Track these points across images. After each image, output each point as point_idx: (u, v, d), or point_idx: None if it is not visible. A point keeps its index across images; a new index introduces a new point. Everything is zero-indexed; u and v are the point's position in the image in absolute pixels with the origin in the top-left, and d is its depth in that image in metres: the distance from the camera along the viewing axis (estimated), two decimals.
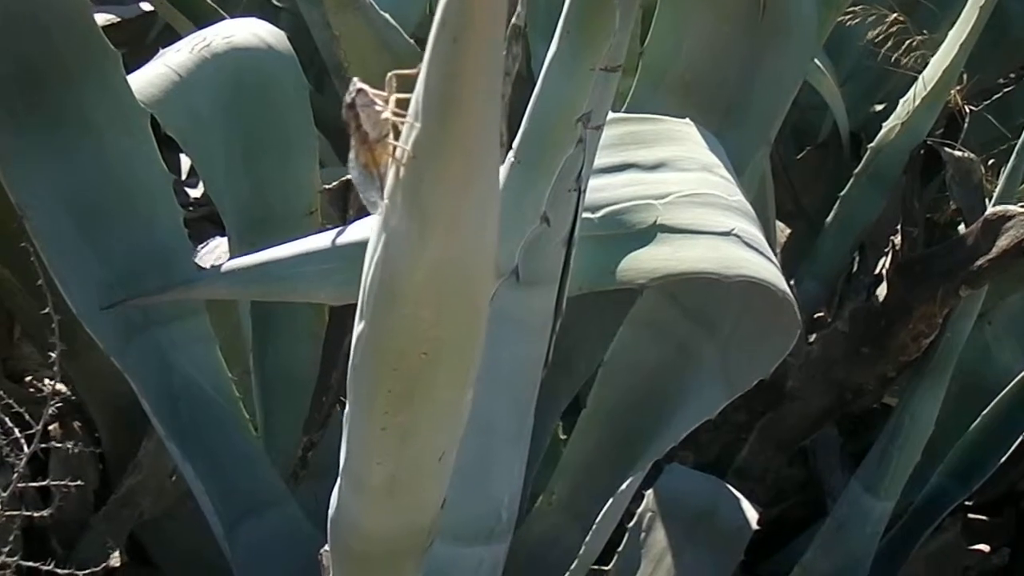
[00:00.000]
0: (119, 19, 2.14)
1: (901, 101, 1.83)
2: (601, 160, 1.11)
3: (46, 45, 1.06)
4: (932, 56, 1.79)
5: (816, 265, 1.99)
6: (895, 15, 1.85)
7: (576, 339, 1.27)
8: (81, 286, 1.10)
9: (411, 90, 0.50)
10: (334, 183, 1.25)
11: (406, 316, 0.56)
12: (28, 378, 1.70)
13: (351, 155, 0.58)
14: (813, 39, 1.36)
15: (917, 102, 1.77)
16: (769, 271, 1.06)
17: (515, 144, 0.97)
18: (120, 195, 1.14)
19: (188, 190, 2.37)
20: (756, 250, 1.07)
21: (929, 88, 1.75)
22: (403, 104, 0.52)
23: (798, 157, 2.24)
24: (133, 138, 1.13)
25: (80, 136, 1.10)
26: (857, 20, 1.87)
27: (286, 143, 1.33)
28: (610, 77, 0.91)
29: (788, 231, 2.21)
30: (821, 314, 2.09)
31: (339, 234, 1.09)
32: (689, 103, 1.27)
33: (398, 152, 0.50)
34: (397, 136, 0.52)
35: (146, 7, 2.22)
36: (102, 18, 1.67)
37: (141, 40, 2.22)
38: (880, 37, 1.87)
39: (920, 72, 1.80)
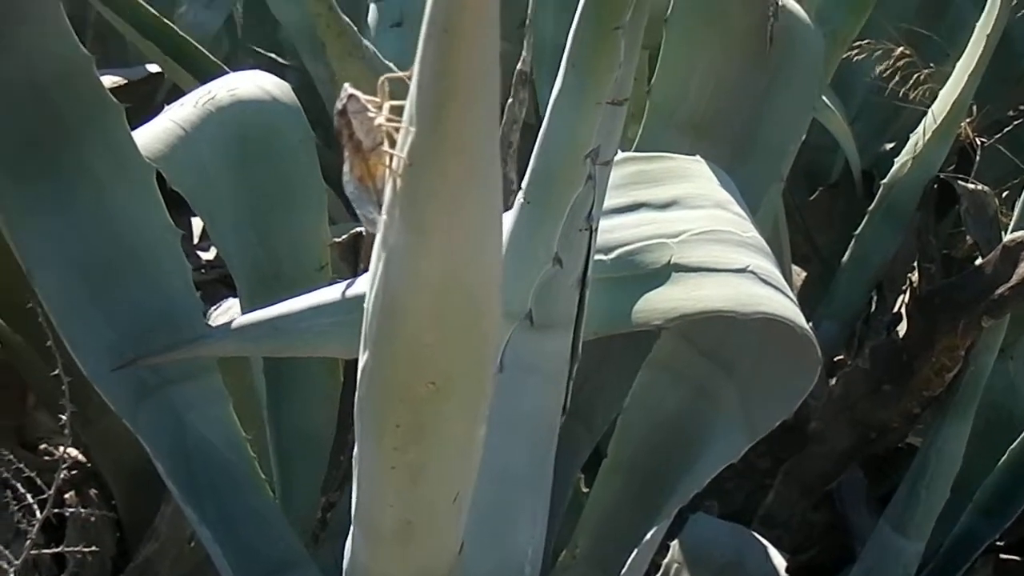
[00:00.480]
0: (126, 81, 2.15)
1: (912, 136, 1.82)
2: (612, 200, 1.10)
3: (46, 104, 1.05)
4: (940, 89, 1.78)
5: (833, 306, 1.97)
6: (901, 48, 1.84)
7: (594, 387, 1.26)
8: (91, 347, 1.08)
9: (405, 96, 0.48)
10: (344, 236, 1.23)
11: (409, 340, 0.54)
12: (43, 446, 1.69)
13: (345, 168, 0.56)
14: (821, 72, 1.35)
15: (928, 136, 1.75)
16: (787, 307, 1.04)
17: (524, 184, 0.96)
18: (127, 253, 1.12)
19: (200, 253, 2.37)
20: (772, 286, 1.05)
21: (939, 121, 1.74)
22: (397, 111, 0.50)
23: (811, 199, 2.23)
24: (138, 194, 1.11)
25: (84, 193, 1.09)
26: (863, 55, 1.86)
27: (294, 196, 1.31)
28: (617, 111, 0.90)
29: (803, 274, 2.20)
30: (841, 357, 2.07)
31: (349, 286, 1.08)
32: (699, 141, 1.26)
33: (394, 161, 0.49)
34: (392, 146, 0.50)
35: (153, 68, 2.23)
36: (108, 80, 1.67)
37: (149, 101, 2.23)
38: (887, 72, 1.86)
39: (929, 106, 1.79)
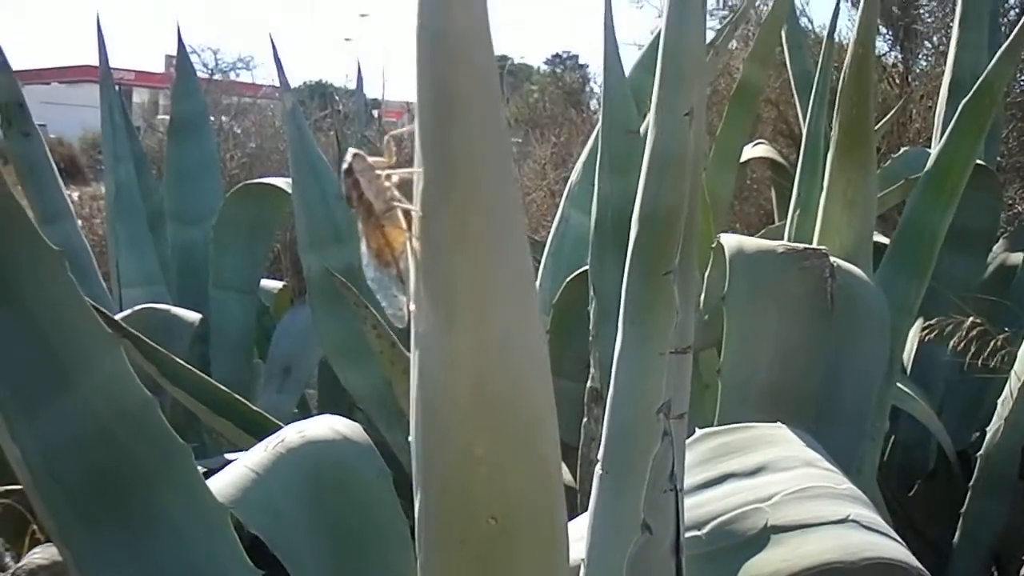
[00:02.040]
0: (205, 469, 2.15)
1: (999, 401, 1.77)
2: (697, 476, 1.07)
3: (114, 445, 1.04)
4: (1018, 349, 1.75)
5: None
6: (971, 319, 1.82)
7: None
8: None
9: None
10: None
11: (458, 455, 0.49)
12: None
13: (362, 247, 0.54)
14: (887, 326, 1.32)
15: (1015, 396, 1.70)
16: (897, 550, 0.98)
17: (599, 455, 0.92)
18: None
19: None
20: (878, 531, 0.99)
21: (1022, 380, 1.69)
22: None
23: (910, 494, 2.16)
24: (213, 536, 1.09)
25: (160, 537, 1.07)
26: (935, 333, 1.84)
27: (374, 534, 1.28)
28: (684, 360, 0.88)
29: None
30: None
31: None
32: (777, 409, 1.23)
33: (411, 221, 0.46)
34: (406, 219, 0.48)
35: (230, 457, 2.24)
36: None
37: None
38: (963, 344, 1.83)
39: (1011, 368, 1.75)
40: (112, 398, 1.04)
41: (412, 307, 0.48)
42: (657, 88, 0.87)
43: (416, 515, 0.55)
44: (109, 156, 2.66)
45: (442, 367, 0.47)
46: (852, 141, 1.46)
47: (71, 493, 1.01)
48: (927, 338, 1.86)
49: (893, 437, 2.21)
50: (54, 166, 2.39)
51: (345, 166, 0.53)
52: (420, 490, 0.53)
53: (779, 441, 1.13)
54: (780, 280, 1.29)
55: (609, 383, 0.94)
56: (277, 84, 2.17)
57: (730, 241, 1.33)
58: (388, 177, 0.52)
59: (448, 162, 0.44)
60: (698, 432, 1.14)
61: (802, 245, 1.32)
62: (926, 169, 1.60)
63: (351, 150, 0.53)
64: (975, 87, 1.54)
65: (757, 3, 3.90)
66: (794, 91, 2.78)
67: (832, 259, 1.29)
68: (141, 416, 1.05)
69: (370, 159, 0.52)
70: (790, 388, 1.28)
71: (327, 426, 1.30)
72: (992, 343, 1.81)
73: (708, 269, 1.52)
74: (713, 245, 1.43)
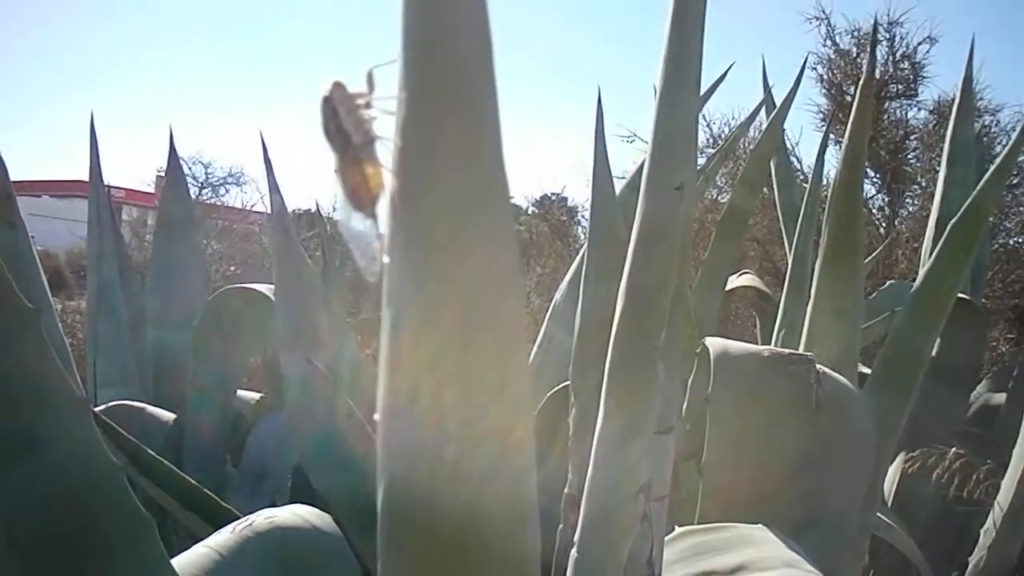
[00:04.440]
0: None
1: (982, 531, 1.74)
2: (675, 573, 1.04)
3: (81, 517, 1.01)
4: (1001, 480, 1.73)
5: None
6: (954, 449, 1.81)
7: None
8: None
9: None
10: None
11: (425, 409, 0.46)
12: None
13: (338, 181, 0.51)
14: (871, 434, 1.30)
15: (998, 526, 1.68)
16: None
17: (575, 538, 0.90)
18: None
19: None
20: None
21: (1005, 510, 1.67)
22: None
23: None
24: None
25: None
26: (918, 464, 1.82)
27: None
28: (665, 442, 0.86)
29: None
30: None
31: None
32: (760, 511, 1.20)
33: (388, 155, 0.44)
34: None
35: None
36: None
37: None
38: (945, 475, 1.81)
39: (994, 499, 1.73)
40: (79, 462, 1.01)
41: (385, 259, 0.45)
42: (648, 162, 0.87)
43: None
44: (93, 255, 2.65)
45: (416, 322, 0.45)
46: (840, 249, 1.46)
47: (27, 558, 0.98)
48: (910, 470, 1.84)
49: (873, 571, 2.17)
50: (37, 258, 2.37)
51: (324, 94, 0.51)
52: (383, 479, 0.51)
53: (759, 542, 1.10)
54: (765, 384, 1.27)
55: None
56: (265, 202, 2.18)
57: (715, 344, 1.31)
58: (368, 106, 0.50)
59: (430, 85, 0.43)
60: (678, 529, 1.11)
61: (788, 350, 1.31)
62: (913, 290, 1.60)
63: (331, 79, 0.52)
64: (963, 208, 1.54)
65: (747, 137, 3.95)
66: (781, 223, 2.80)
67: (818, 366, 1.28)
68: (107, 483, 1.02)
69: (351, 90, 0.51)
70: (772, 489, 1.25)
71: (296, 514, 1.28)
72: (975, 475, 1.79)
73: (692, 375, 1.50)
74: (698, 351, 1.42)
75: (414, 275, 0.42)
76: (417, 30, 0.41)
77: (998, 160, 1.57)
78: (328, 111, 0.52)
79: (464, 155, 0.42)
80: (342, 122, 0.51)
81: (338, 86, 0.52)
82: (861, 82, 1.40)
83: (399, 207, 0.42)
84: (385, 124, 0.48)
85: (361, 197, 0.52)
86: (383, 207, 0.50)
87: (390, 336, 0.44)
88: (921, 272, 1.62)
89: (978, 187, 1.56)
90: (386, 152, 0.48)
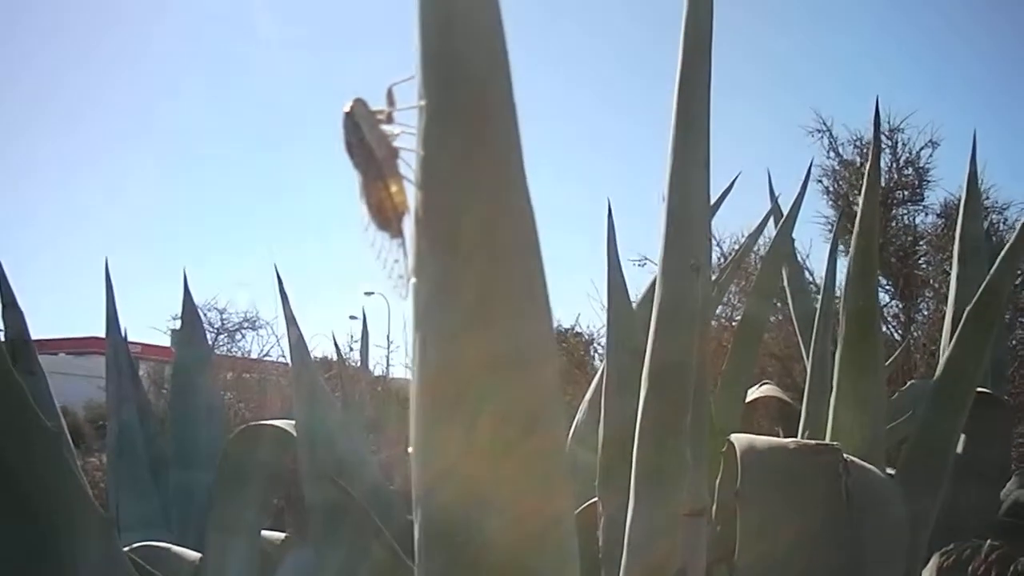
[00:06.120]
0: None
1: None
2: None
3: None
4: None
5: None
6: (989, 542, 1.77)
7: None
8: None
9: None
10: None
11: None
12: None
13: (361, 202, 0.50)
14: (905, 522, 1.28)
15: None
16: None
17: None
18: None
19: None
20: None
21: None
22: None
23: None
24: None
25: None
26: (952, 559, 1.79)
27: None
28: (698, 523, 0.85)
29: None
30: None
31: None
32: None
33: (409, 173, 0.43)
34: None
35: None
36: None
37: None
38: (981, 569, 1.77)
39: None
40: None
41: (413, 279, 0.45)
42: (662, 245, 0.87)
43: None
44: (113, 397, 2.66)
45: (446, 335, 0.44)
46: (860, 333, 1.45)
47: None
48: (945, 564, 1.80)
49: None
50: (56, 405, 2.38)
51: (346, 110, 0.51)
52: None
53: None
54: (793, 475, 1.26)
55: None
56: (282, 345, 2.19)
57: (741, 440, 1.30)
58: (389, 120, 0.50)
59: (451, 86, 0.43)
60: None
61: (814, 441, 1.30)
62: (934, 379, 1.59)
63: (353, 96, 0.52)
64: (978, 292, 1.54)
65: (757, 247, 3.98)
66: (797, 333, 2.80)
67: (845, 455, 1.27)
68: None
69: (371, 107, 0.51)
70: None
71: None
72: (1013, 567, 1.76)
73: (719, 477, 1.48)
74: (723, 449, 1.41)
75: (440, 292, 0.42)
76: (432, 45, 0.42)
77: (1012, 239, 1.57)
78: (350, 126, 0.52)
79: (486, 164, 0.42)
80: (364, 136, 0.52)
81: (359, 102, 0.53)
82: (868, 165, 1.41)
83: (424, 222, 0.42)
84: (407, 139, 0.48)
85: (386, 214, 0.52)
86: (408, 225, 0.50)
87: (419, 358, 0.44)
88: (941, 362, 1.61)
89: (994, 266, 1.56)
90: (409, 167, 0.48)
